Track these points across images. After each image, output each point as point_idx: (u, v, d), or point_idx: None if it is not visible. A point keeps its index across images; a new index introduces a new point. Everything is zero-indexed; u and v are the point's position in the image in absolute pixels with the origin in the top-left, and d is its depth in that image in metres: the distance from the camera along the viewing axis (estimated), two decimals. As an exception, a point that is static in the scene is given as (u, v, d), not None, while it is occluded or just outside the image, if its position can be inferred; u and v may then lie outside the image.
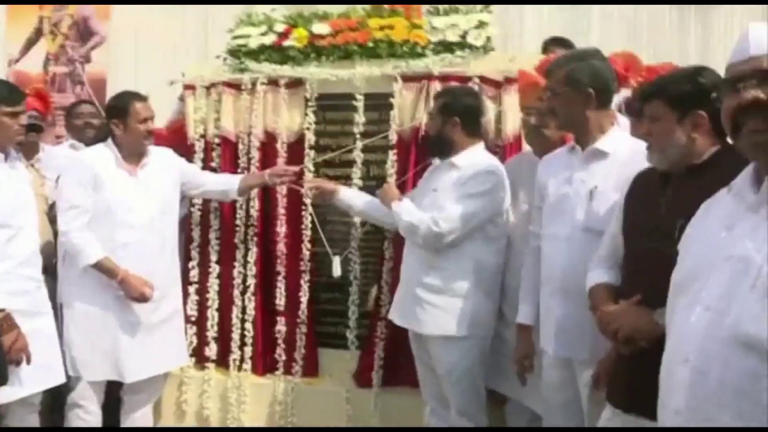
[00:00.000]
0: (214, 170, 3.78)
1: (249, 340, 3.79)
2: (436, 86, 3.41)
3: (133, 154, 3.39)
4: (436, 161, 3.20)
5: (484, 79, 3.41)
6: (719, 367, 1.39)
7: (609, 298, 2.17)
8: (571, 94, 2.51)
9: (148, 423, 3.59)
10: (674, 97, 2.06)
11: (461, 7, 3.60)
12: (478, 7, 3.60)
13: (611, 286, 2.25)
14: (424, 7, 3.65)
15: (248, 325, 3.78)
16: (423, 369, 3.17)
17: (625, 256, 2.22)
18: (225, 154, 3.80)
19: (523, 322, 2.79)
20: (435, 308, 3.00)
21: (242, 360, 3.79)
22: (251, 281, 3.77)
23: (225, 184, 3.62)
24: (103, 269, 3.24)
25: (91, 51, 6.42)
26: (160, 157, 3.51)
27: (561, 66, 2.55)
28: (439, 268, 3.00)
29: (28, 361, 2.89)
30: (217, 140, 3.81)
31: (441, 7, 3.62)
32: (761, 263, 1.37)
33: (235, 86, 3.78)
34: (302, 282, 3.68)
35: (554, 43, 4.16)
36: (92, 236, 3.22)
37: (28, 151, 3.44)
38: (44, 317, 3.12)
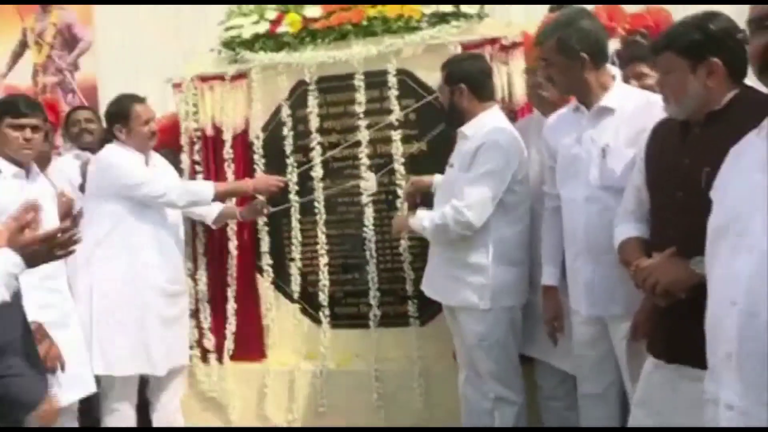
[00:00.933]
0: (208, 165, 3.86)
1: (272, 329, 3.83)
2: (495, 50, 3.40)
3: (145, 155, 3.48)
4: None
5: (494, 43, 3.40)
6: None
7: (641, 252, 2.17)
8: (566, 61, 2.49)
9: (179, 418, 3.64)
10: (685, 46, 2.03)
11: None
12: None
13: (641, 239, 2.25)
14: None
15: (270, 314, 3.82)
16: (457, 339, 3.18)
17: (652, 208, 2.22)
18: (221, 147, 3.83)
19: (548, 284, 2.79)
20: (459, 281, 2.98)
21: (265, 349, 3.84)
22: (267, 269, 3.81)
23: (205, 209, 3.69)
24: (230, 192, 3.61)
25: (79, 58, 6.38)
26: (156, 158, 3.60)
27: (550, 34, 2.52)
28: (457, 243, 2.98)
29: (63, 368, 2.90)
30: (214, 134, 3.84)
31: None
32: None
33: (229, 77, 3.80)
34: (320, 265, 3.72)
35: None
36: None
37: (40, 164, 3.42)
38: (71, 328, 3.15)
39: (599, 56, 2.51)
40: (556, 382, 3.07)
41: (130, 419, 3.45)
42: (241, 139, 3.82)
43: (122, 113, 3.41)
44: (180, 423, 3.63)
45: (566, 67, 2.51)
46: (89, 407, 3.60)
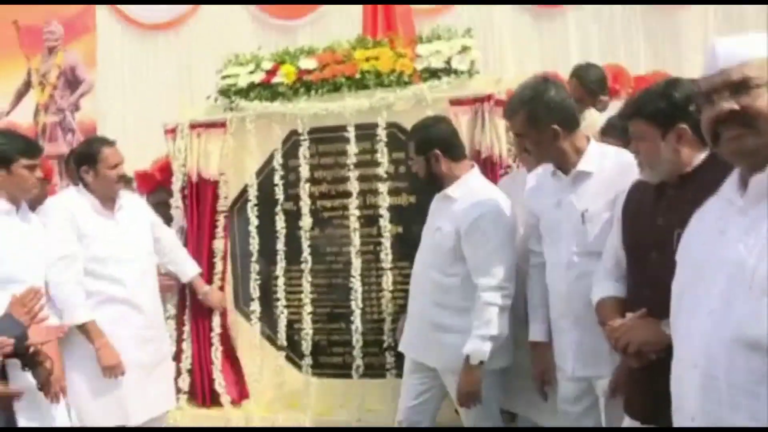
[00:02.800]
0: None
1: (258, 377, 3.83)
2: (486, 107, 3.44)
3: (107, 199, 3.37)
4: None
5: (488, 99, 3.45)
6: (727, 370, 1.42)
7: (616, 312, 2.18)
8: (538, 134, 2.50)
9: None
10: (652, 115, 2.09)
11: (443, 34, 3.69)
12: (460, 32, 3.69)
13: (618, 299, 2.26)
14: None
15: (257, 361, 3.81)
16: (419, 390, 3.10)
17: (629, 267, 2.25)
18: (208, 194, 3.88)
19: (537, 340, 2.77)
20: (449, 346, 2.91)
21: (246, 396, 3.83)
22: (255, 317, 3.83)
23: (181, 266, 3.74)
24: (85, 332, 3.18)
25: (80, 99, 6.48)
26: (132, 200, 3.55)
27: (518, 109, 2.52)
28: (447, 306, 2.93)
29: (64, 394, 2.89)
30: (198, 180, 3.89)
31: (424, 36, 3.71)
32: (755, 264, 1.41)
33: (221, 125, 3.87)
34: (304, 314, 3.73)
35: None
36: (82, 293, 3.17)
37: (35, 203, 3.45)
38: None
39: (571, 123, 2.52)
40: None
41: None
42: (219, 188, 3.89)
43: (90, 155, 3.35)
44: None
45: (539, 140, 2.51)
46: None
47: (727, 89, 1.50)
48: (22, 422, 2.75)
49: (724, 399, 1.43)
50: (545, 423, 2.96)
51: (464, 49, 3.60)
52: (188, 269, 3.74)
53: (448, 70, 3.56)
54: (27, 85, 6.56)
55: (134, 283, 3.32)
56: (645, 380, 2.03)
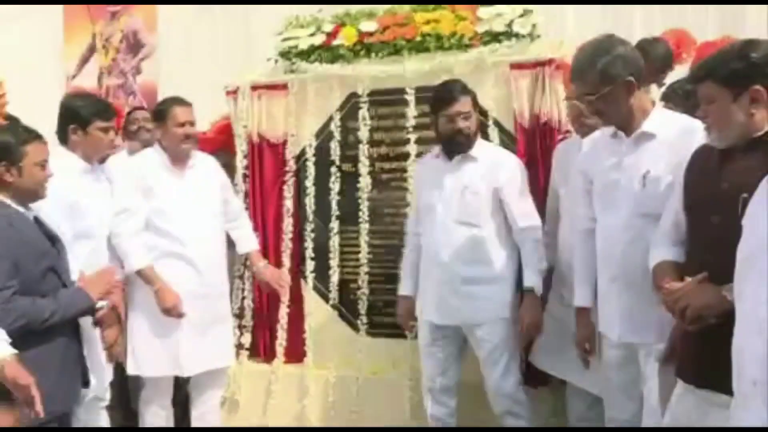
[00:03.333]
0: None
1: (311, 334, 3.91)
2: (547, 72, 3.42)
3: (177, 157, 3.46)
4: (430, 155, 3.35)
5: (549, 63, 3.43)
6: None
7: (673, 275, 2.17)
8: (614, 90, 2.45)
9: (216, 417, 3.69)
10: (726, 76, 2.03)
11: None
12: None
13: (675, 262, 2.25)
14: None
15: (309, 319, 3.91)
16: (438, 358, 3.26)
17: (689, 231, 2.23)
18: (269, 156, 3.96)
19: (582, 305, 2.78)
20: (481, 299, 3.10)
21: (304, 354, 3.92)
22: (309, 275, 3.91)
23: (240, 239, 3.73)
24: (143, 277, 3.33)
25: (141, 62, 6.61)
26: (206, 162, 3.61)
27: (588, 69, 2.47)
28: (479, 260, 3.11)
29: (121, 358, 3.07)
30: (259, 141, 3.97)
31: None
32: None
33: (281, 87, 3.92)
34: (360, 274, 3.80)
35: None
36: (140, 242, 3.31)
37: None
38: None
39: (641, 77, 2.50)
40: (586, 406, 3.07)
41: (166, 411, 3.53)
42: (281, 149, 3.95)
43: (161, 113, 3.47)
44: (213, 422, 3.65)
45: (615, 97, 2.47)
46: (127, 399, 3.75)
47: None
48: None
49: None
50: (593, 390, 2.97)
51: (526, 12, 3.57)
52: (247, 243, 3.74)
53: (509, 34, 3.54)
54: (91, 49, 6.72)
55: (193, 241, 3.40)
56: (700, 345, 2.03)
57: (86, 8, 6.66)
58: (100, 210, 3.18)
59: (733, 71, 2.03)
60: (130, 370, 3.39)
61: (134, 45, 6.62)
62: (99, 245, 3.17)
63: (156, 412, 3.53)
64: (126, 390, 3.76)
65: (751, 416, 1.53)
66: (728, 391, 1.79)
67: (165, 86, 6.29)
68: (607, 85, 2.45)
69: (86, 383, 2.84)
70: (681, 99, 3.05)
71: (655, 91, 3.77)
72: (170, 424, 3.58)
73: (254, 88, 3.96)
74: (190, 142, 3.48)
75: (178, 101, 3.52)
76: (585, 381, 3.02)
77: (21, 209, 2.62)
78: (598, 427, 2.54)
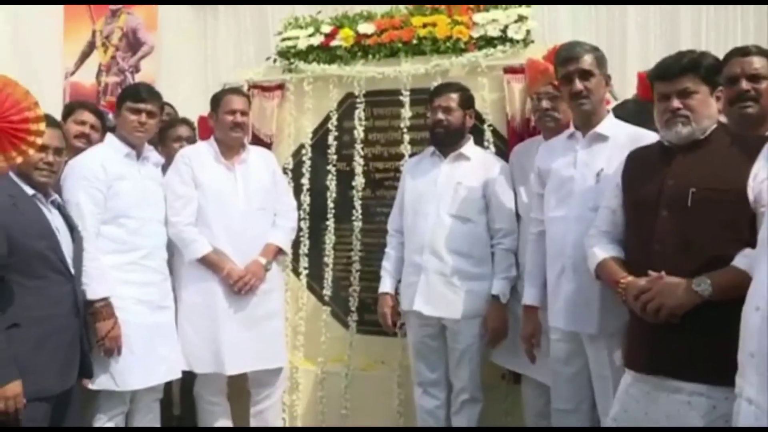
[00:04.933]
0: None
1: (302, 330, 3.96)
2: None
3: (229, 148, 3.48)
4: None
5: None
6: None
7: (624, 271, 2.31)
8: (601, 76, 2.72)
9: (277, 416, 3.71)
10: (707, 72, 2.20)
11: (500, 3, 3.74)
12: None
13: (619, 259, 2.39)
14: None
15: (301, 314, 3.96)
16: (427, 352, 3.36)
17: (632, 226, 2.38)
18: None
19: (530, 303, 2.96)
20: (467, 293, 3.22)
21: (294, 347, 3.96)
22: (303, 271, 3.96)
23: (272, 229, 3.58)
24: (209, 263, 3.36)
25: (140, 61, 6.65)
26: (260, 155, 3.62)
27: (587, 50, 2.72)
28: (473, 255, 3.23)
29: (119, 352, 3.08)
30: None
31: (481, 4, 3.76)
32: None
33: (279, 87, 3.98)
34: (352, 272, 3.86)
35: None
36: (195, 229, 3.36)
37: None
38: (167, 311, 3.32)
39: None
40: (545, 401, 3.13)
41: (219, 405, 3.56)
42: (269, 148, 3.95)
43: (215, 100, 3.53)
44: (271, 422, 3.64)
45: (601, 82, 2.72)
46: (170, 403, 3.76)
47: None
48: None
49: None
50: (545, 381, 3.06)
51: (520, 18, 3.64)
52: (270, 235, 3.55)
53: (504, 39, 3.62)
54: (91, 46, 6.76)
55: (239, 235, 3.42)
56: (652, 334, 2.17)
57: (87, 6, 6.71)
58: (142, 193, 3.23)
59: (712, 69, 2.20)
60: (182, 365, 3.40)
61: (134, 43, 6.66)
62: (143, 228, 3.21)
63: (204, 407, 3.57)
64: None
65: (747, 385, 1.66)
66: (679, 376, 2.07)
67: (164, 85, 6.34)
68: (599, 68, 2.70)
69: (86, 373, 2.90)
70: (631, 113, 3.12)
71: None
72: (223, 418, 3.58)
73: (252, 86, 4.03)
74: (240, 132, 3.49)
75: (233, 90, 3.58)
76: (538, 372, 3.12)
77: (31, 192, 2.72)
78: (603, 427, 2.61)
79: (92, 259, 2.97)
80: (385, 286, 3.46)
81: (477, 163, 3.29)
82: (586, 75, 2.68)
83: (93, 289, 2.98)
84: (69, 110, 3.58)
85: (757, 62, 2.54)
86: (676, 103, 2.21)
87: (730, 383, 1.79)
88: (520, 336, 3.04)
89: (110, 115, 3.89)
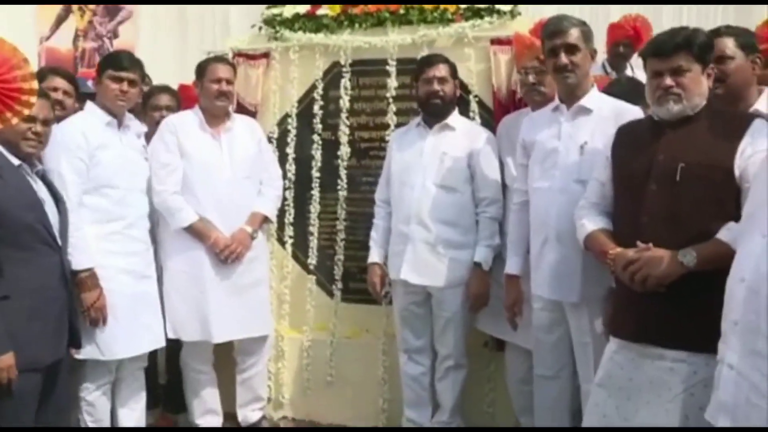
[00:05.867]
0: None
1: (288, 298, 3.99)
2: None
3: (214, 117, 3.47)
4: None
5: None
6: (766, 286, 1.62)
7: (612, 242, 2.37)
8: (586, 51, 2.76)
9: (263, 383, 3.75)
10: (700, 51, 2.25)
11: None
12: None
13: (608, 230, 2.46)
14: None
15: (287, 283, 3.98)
16: (412, 319, 3.42)
17: (620, 201, 2.43)
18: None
19: (512, 272, 3.04)
20: (453, 261, 3.27)
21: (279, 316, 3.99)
22: (288, 240, 3.98)
23: (257, 198, 3.59)
24: (195, 232, 3.37)
25: (119, 26, 6.56)
26: (245, 124, 3.62)
27: (574, 24, 2.75)
28: (459, 224, 3.28)
29: (104, 322, 3.08)
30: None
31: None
32: None
33: (264, 55, 3.95)
34: (337, 240, 3.89)
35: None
36: (181, 197, 3.35)
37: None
38: (150, 280, 3.32)
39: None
40: (527, 367, 3.21)
41: (206, 374, 3.60)
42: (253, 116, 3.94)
43: (200, 68, 3.51)
44: (257, 389, 3.70)
45: (586, 57, 2.76)
46: (155, 372, 3.77)
47: None
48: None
49: (761, 311, 1.63)
50: (528, 346, 3.13)
51: (508, -10, 3.65)
52: (256, 204, 3.56)
53: (491, 10, 3.62)
54: (67, 11, 6.64)
55: (223, 203, 3.42)
56: (638, 302, 2.24)
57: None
58: (124, 162, 3.22)
59: (704, 48, 2.24)
60: (169, 333, 3.41)
61: (111, 8, 6.57)
62: (126, 198, 3.20)
63: (191, 376, 3.59)
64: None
65: (730, 351, 1.74)
66: (662, 343, 2.16)
67: (143, 51, 6.24)
68: (585, 43, 2.74)
69: (74, 343, 2.90)
70: (624, 90, 3.15)
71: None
72: (210, 386, 3.62)
73: (237, 54, 3.99)
74: (225, 100, 3.48)
75: (218, 59, 3.56)
76: (521, 338, 3.19)
77: (17, 162, 2.69)
78: (607, 428, 2.70)
79: (76, 230, 2.96)
80: (374, 256, 3.50)
81: (462, 134, 3.33)
82: (571, 49, 2.72)
83: (77, 260, 2.97)
84: (40, 77, 3.48)
85: (724, 44, 2.55)
86: (668, 80, 2.25)
87: (710, 350, 1.88)
88: (503, 304, 3.11)
89: (89, 83, 3.86)
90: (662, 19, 4.62)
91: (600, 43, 4.00)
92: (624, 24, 4.93)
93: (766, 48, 2.76)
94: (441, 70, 3.29)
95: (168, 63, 3.84)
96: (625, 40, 4.91)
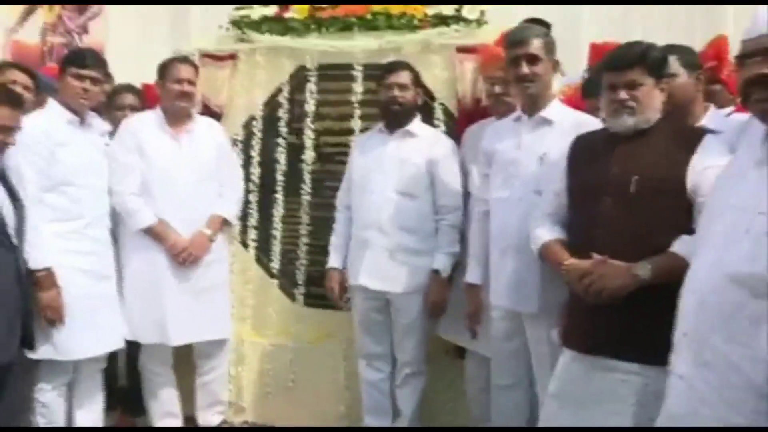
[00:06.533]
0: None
1: (250, 302, 3.96)
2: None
3: (175, 118, 3.43)
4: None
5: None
6: (715, 298, 1.66)
7: (567, 253, 2.39)
8: (548, 62, 2.77)
9: (223, 388, 3.71)
10: (653, 65, 2.29)
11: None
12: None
13: (562, 240, 2.48)
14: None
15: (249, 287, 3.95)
16: (372, 326, 3.42)
17: (575, 211, 2.46)
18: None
19: (473, 282, 3.04)
20: (412, 268, 3.28)
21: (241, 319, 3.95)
22: (251, 244, 3.95)
23: (218, 201, 3.55)
24: (153, 234, 3.33)
25: (89, 22, 6.47)
26: (207, 126, 3.58)
27: (537, 35, 2.76)
28: (416, 230, 3.28)
29: (61, 321, 3.04)
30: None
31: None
32: (755, 212, 1.63)
33: (230, 56, 3.93)
34: (300, 245, 3.87)
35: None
36: (140, 199, 3.32)
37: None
38: (109, 281, 3.28)
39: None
40: (487, 375, 3.20)
41: (164, 377, 3.56)
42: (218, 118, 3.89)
43: (162, 67, 3.47)
44: (217, 393, 3.67)
45: (548, 68, 2.77)
46: (115, 373, 3.73)
47: (760, 54, 1.69)
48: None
49: (708, 321, 1.67)
50: (487, 353, 3.13)
51: (474, -1, 3.67)
52: (216, 206, 3.52)
53: (458, 18, 3.62)
54: (34, 3, 6.53)
55: (182, 205, 3.38)
56: (590, 314, 2.26)
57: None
58: (85, 160, 3.19)
59: (658, 62, 2.28)
60: (126, 335, 3.37)
61: (81, 3, 6.47)
62: (85, 196, 3.17)
63: (149, 378, 3.56)
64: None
65: (680, 362, 1.77)
66: (614, 355, 2.18)
67: (113, 48, 6.18)
68: (547, 54, 2.74)
69: (27, 343, 2.87)
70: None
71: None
72: (168, 389, 3.58)
73: (204, 55, 3.95)
74: (187, 101, 3.44)
75: (180, 59, 3.53)
76: (481, 346, 3.20)
77: None
78: (604, 427, 2.72)
79: (33, 228, 2.92)
80: (333, 261, 3.49)
81: (423, 141, 3.33)
82: (533, 59, 2.73)
83: (34, 259, 2.93)
84: None
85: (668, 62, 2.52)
86: (623, 94, 2.28)
87: (662, 363, 1.89)
88: (464, 314, 3.11)
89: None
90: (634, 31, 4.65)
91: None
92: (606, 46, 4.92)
93: (710, 66, 2.82)
94: (402, 77, 3.30)
95: (138, 61, 3.78)
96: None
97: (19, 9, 6.54)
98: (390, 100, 3.30)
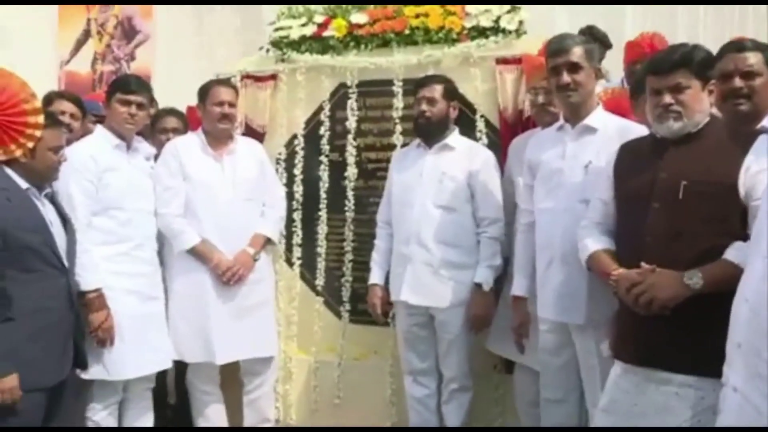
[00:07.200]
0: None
1: (296, 319, 3.98)
2: None
3: (217, 139, 3.48)
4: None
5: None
6: None
7: (616, 263, 2.32)
8: (590, 69, 2.73)
9: (270, 405, 3.72)
10: (699, 67, 2.21)
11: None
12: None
13: (611, 251, 2.41)
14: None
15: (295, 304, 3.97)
16: (415, 341, 3.38)
17: (623, 220, 2.40)
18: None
19: (519, 294, 2.99)
20: (454, 282, 3.24)
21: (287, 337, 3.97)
22: (296, 261, 3.97)
23: (260, 220, 3.58)
24: (198, 254, 3.38)
25: (136, 49, 6.66)
26: (248, 146, 3.63)
27: (577, 43, 2.74)
28: (457, 244, 3.25)
29: (112, 342, 3.10)
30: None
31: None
32: None
33: (271, 77, 3.98)
34: (345, 262, 3.87)
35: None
36: (184, 220, 3.37)
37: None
38: (157, 301, 3.34)
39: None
40: (537, 390, 3.12)
41: (212, 395, 3.59)
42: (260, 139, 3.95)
43: (203, 91, 3.53)
44: (265, 409, 3.65)
45: (590, 75, 2.73)
46: (164, 392, 3.80)
47: None
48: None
49: (762, 332, 1.57)
50: (536, 367, 3.06)
51: (513, 9, 3.63)
52: (258, 225, 3.54)
53: (497, 29, 3.60)
54: (86, 34, 6.76)
55: (219, 225, 3.42)
56: (643, 325, 2.19)
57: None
58: (132, 184, 3.26)
59: (704, 64, 2.20)
60: (173, 354, 3.42)
61: (129, 31, 6.66)
62: (134, 219, 3.23)
63: (197, 396, 3.60)
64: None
65: (734, 374, 1.68)
66: (668, 367, 2.09)
67: (159, 73, 6.35)
68: (588, 62, 2.71)
69: (79, 364, 2.92)
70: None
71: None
72: (216, 407, 3.61)
73: (245, 77, 4.02)
74: (228, 123, 3.49)
75: (221, 81, 3.59)
76: (531, 360, 3.13)
77: (25, 186, 2.73)
78: (606, 427, 2.65)
79: (84, 251, 2.99)
80: (375, 277, 3.48)
81: (461, 153, 3.31)
82: (574, 68, 2.70)
83: (86, 280, 3.00)
84: (48, 101, 3.60)
85: (751, 58, 2.50)
86: (667, 98, 2.22)
87: (718, 374, 1.80)
88: (510, 327, 3.06)
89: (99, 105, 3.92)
90: (677, 33, 4.56)
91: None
92: (641, 42, 4.88)
93: None
94: (429, 91, 3.29)
95: (185, 85, 3.86)
96: (642, 59, 4.86)
97: (71, 40, 6.77)
98: (418, 115, 3.30)
